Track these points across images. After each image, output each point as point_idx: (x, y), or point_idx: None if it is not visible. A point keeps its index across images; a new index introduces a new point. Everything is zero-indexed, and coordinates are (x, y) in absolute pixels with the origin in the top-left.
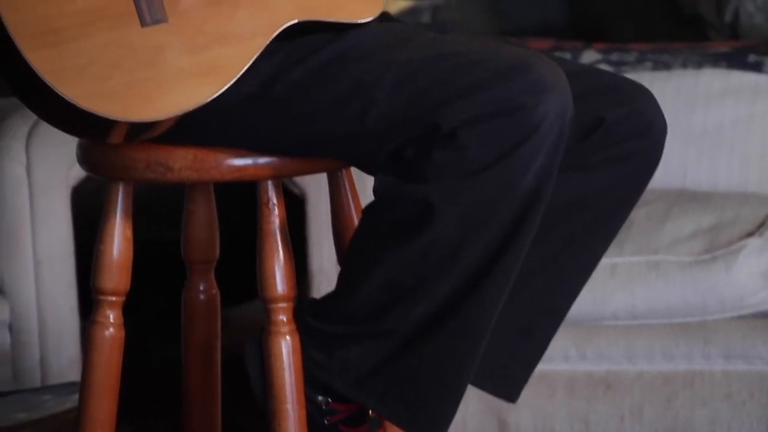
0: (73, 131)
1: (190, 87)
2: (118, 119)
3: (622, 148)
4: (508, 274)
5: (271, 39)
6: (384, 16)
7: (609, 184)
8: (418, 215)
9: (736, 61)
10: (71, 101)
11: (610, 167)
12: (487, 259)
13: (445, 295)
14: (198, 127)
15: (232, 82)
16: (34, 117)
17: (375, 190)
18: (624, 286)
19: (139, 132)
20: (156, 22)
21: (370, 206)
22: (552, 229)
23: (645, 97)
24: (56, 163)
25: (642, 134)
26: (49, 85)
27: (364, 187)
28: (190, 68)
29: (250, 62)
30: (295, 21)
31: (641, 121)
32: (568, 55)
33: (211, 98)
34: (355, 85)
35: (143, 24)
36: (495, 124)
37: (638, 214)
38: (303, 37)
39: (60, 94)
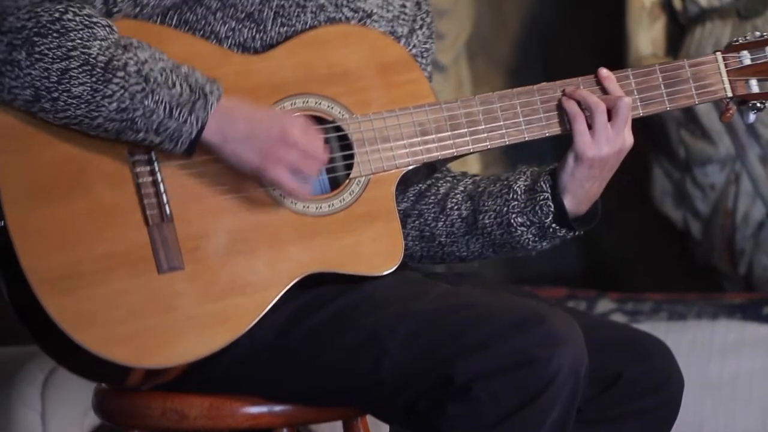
0: (90, 376)
1: (202, 335)
2: (129, 365)
3: (640, 402)
4: None
5: (286, 289)
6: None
7: None
8: None
9: (751, 312)
10: (84, 347)
11: (629, 421)
12: None
13: None
14: (214, 376)
15: (244, 332)
16: (51, 364)
17: None
18: None
19: (154, 376)
20: (173, 269)
21: None
22: None
23: (662, 352)
24: (71, 410)
25: (659, 389)
26: (63, 331)
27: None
28: (203, 317)
29: (263, 313)
30: (312, 272)
31: (658, 376)
32: (582, 304)
33: (223, 347)
34: (369, 336)
35: (160, 271)
36: (509, 377)
37: None
38: (318, 285)
39: (73, 339)
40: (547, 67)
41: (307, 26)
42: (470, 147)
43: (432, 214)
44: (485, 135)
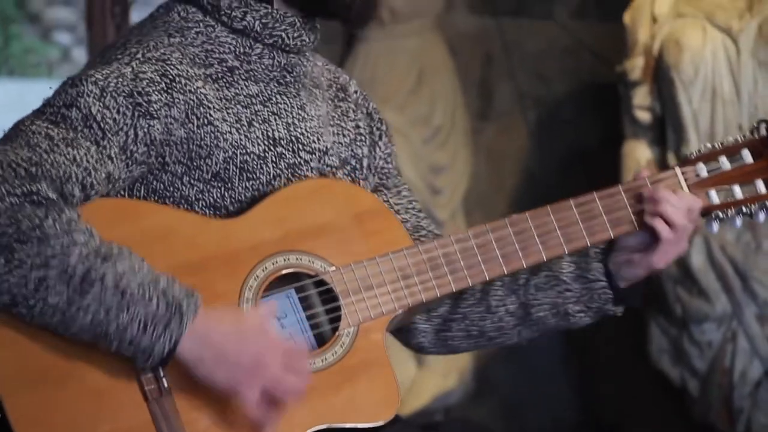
0: None
1: None
2: None
3: None
4: None
5: None
6: (397, 418)
7: None
8: None
9: None
10: None
11: None
12: None
13: None
14: None
15: None
16: None
17: None
18: None
19: None
20: None
21: None
22: None
23: None
24: None
25: None
26: None
27: None
28: None
29: None
30: (315, 430)
31: None
32: None
33: None
34: None
35: None
36: None
37: None
38: None
39: None
40: None
41: (271, 176)
42: (452, 286)
43: (477, 315)
44: (464, 273)
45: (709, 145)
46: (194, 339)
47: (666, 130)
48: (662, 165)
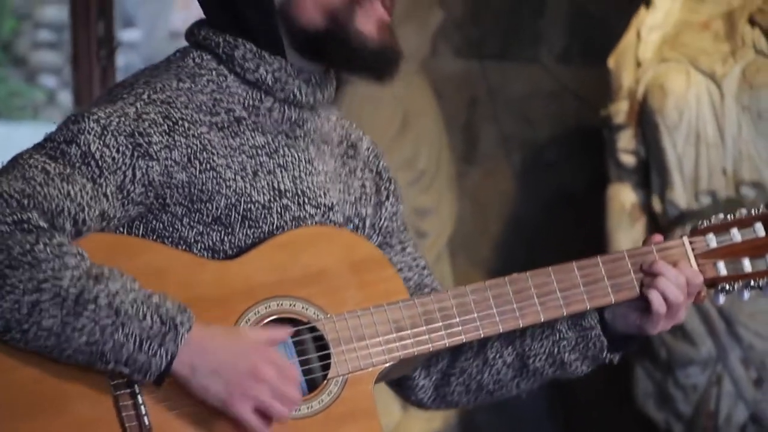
0: None
1: None
2: None
3: None
4: None
5: None
6: None
7: None
8: None
9: None
10: None
11: None
12: None
13: None
14: None
15: None
16: None
17: None
18: None
19: None
20: None
21: None
22: None
23: None
24: None
25: None
26: None
27: None
28: None
29: None
30: None
31: None
32: None
33: None
34: None
35: None
36: None
37: None
38: None
39: None
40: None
41: (274, 226)
42: (446, 341)
43: (475, 368)
44: (459, 328)
45: (721, 216)
46: (190, 352)
47: (650, 174)
48: (647, 208)
